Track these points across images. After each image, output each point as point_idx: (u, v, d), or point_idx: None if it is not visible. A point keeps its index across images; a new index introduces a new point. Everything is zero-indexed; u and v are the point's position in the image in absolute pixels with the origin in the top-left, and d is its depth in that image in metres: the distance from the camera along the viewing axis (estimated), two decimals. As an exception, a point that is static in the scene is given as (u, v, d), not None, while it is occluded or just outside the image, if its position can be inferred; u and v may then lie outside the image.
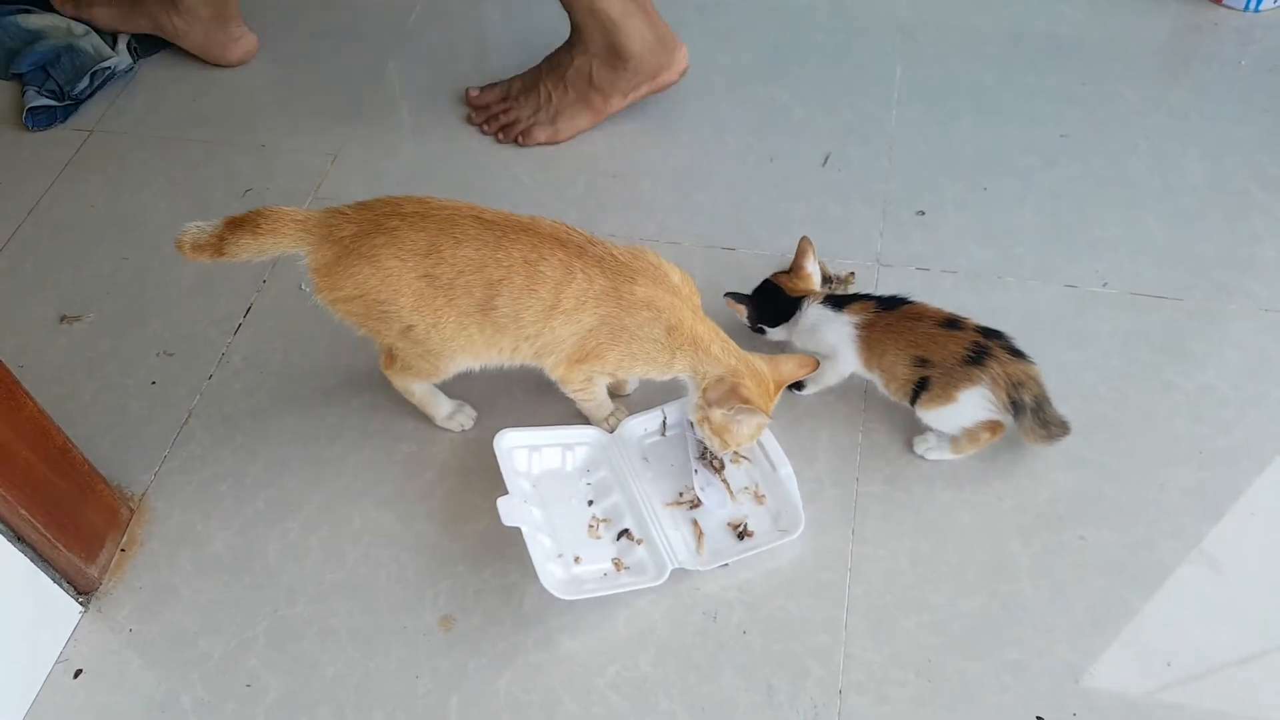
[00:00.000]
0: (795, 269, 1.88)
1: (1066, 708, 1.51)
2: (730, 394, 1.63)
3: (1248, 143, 2.24)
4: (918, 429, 1.79)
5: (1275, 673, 1.54)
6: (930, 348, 1.68)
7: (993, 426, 1.71)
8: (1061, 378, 1.74)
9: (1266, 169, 2.18)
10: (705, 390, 1.66)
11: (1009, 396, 1.65)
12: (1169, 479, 1.74)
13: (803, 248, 1.88)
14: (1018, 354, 1.67)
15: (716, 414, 1.65)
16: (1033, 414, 1.66)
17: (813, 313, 1.79)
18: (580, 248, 1.62)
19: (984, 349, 1.65)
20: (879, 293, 1.81)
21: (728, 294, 1.88)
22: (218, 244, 1.63)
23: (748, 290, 1.89)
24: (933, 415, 1.72)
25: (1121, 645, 1.57)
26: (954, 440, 1.75)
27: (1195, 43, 2.51)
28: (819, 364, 1.74)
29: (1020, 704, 1.52)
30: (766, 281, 1.89)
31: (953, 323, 1.70)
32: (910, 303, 1.76)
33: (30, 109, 2.42)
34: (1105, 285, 2.01)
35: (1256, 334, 1.92)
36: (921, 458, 1.77)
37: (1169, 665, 1.55)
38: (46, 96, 2.43)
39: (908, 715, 1.52)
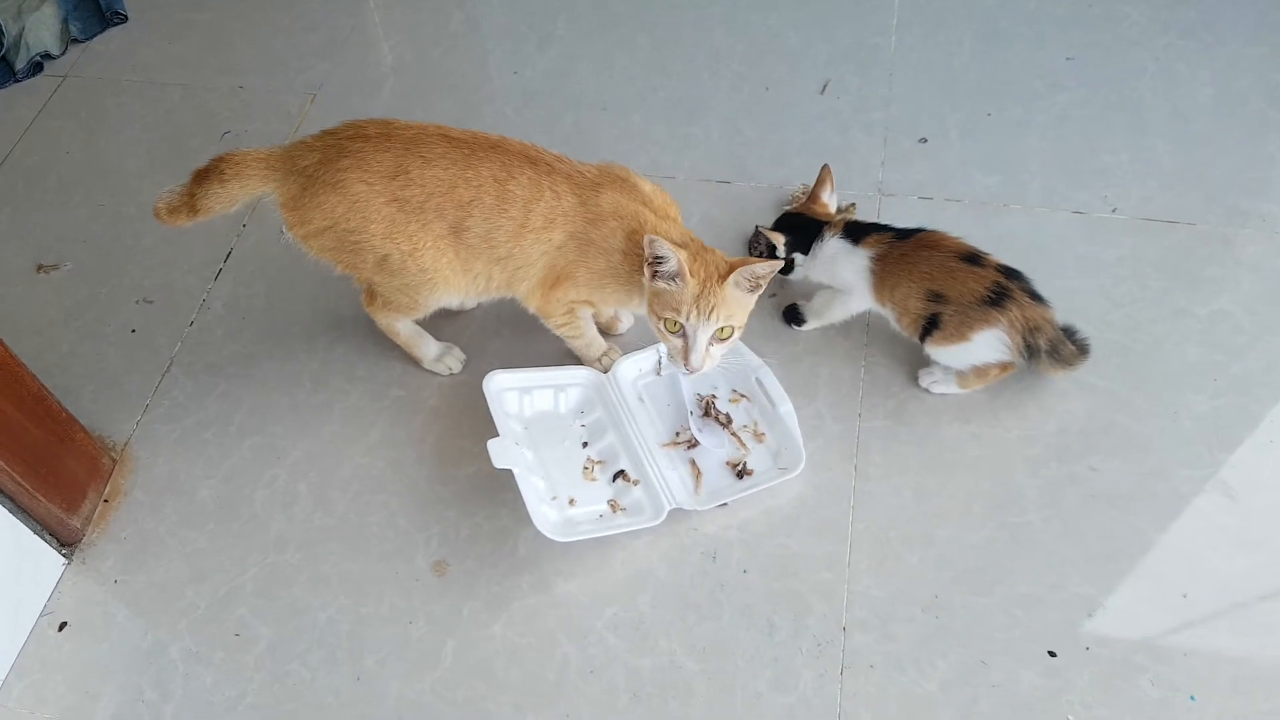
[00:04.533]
0: (813, 197, 1.79)
1: (1079, 642, 1.47)
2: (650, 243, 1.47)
3: (1261, 64, 2.16)
4: (923, 362, 1.73)
5: (1293, 601, 1.50)
6: (947, 283, 1.61)
7: (1004, 364, 1.65)
8: (1070, 305, 1.68)
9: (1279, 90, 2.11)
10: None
11: (1024, 340, 1.59)
12: (1182, 407, 1.68)
13: (822, 176, 1.79)
14: (1036, 297, 1.60)
15: (651, 282, 1.50)
16: (1047, 355, 1.60)
17: (832, 244, 1.71)
18: (549, 165, 1.56)
19: (1004, 290, 1.58)
20: (899, 225, 1.72)
21: (759, 226, 1.78)
22: (190, 201, 1.59)
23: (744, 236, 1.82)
24: (943, 352, 1.65)
25: (1136, 578, 1.52)
26: (961, 375, 1.69)
27: (1207, -38, 2.41)
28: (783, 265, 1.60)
29: (1031, 639, 1.48)
30: (786, 213, 1.80)
31: (973, 258, 1.62)
32: (925, 231, 1.68)
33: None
34: (1114, 211, 1.94)
35: (1272, 258, 1.85)
36: (926, 391, 1.72)
37: (1185, 597, 1.50)
38: None
39: (914, 651, 1.48)
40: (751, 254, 1.91)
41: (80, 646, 1.58)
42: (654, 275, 1.50)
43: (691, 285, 1.49)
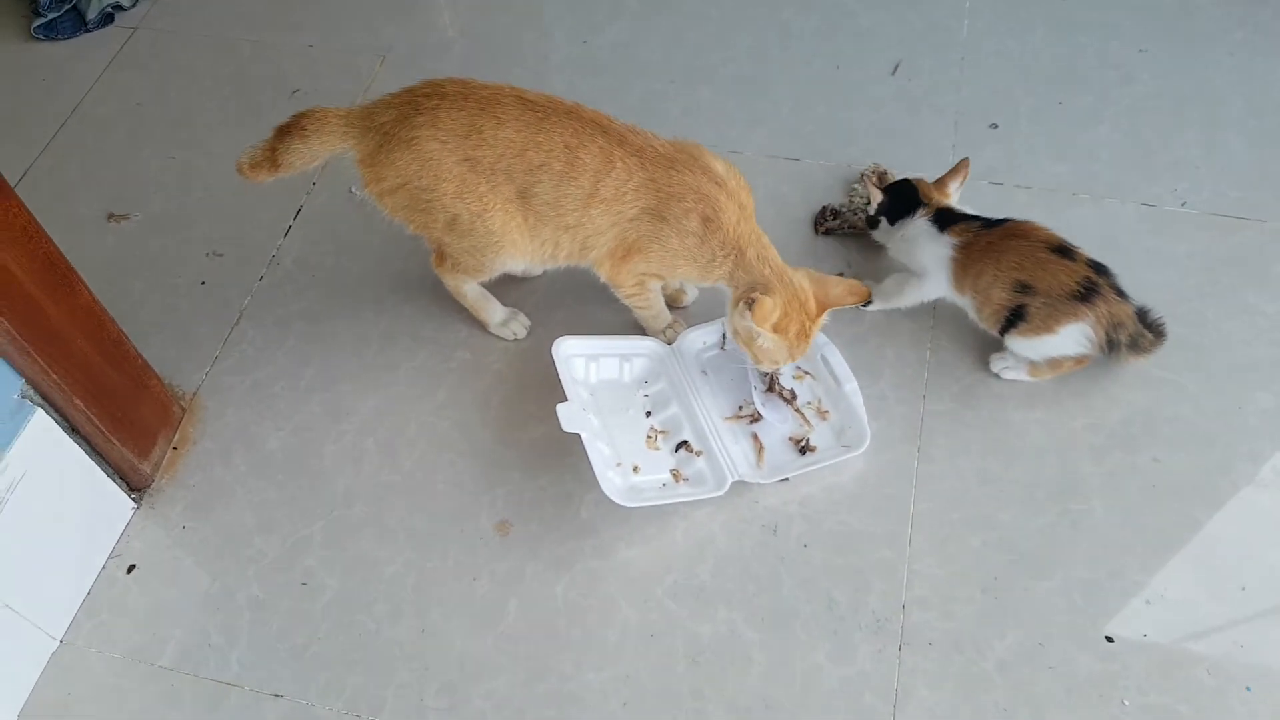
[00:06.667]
0: (941, 182, 1.76)
1: (1137, 629, 1.48)
2: (744, 302, 1.54)
3: (1337, 61, 2.14)
4: (992, 347, 1.73)
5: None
6: (1037, 274, 1.60)
7: (1080, 357, 1.65)
8: (1138, 298, 1.67)
9: (1356, 89, 2.09)
10: (735, 298, 1.59)
11: (1107, 336, 1.59)
12: (1247, 402, 1.68)
13: (958, 167, 1.76)
14: (1122, 294, 1.61)
15: (738, 321, 1.57)
16: (1127, 349, 1.61)
17: (918, 224, 1.71)
18: (621, 136, 1.56)
19: (1094, 285, 1.58)
20: (977, 212, 1.72)
21: (865, 173, 1.81)
22: (271, 156, 1.61)
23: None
24: (1025, 344, 1.65)
25: (1195, 568, 1.53)
26: (1033, 364, 1.69)
27: (1283, -44, 2.38)
28: (869, 294, 1.64)
29: (1089, 624, 1.49)
30: (905, 180, 1.79)
31: (1064, 250, 1.61)
32: (1014, 221, 1.67)
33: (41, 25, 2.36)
34: (1184, 205, 1.93)
35: (1342, 258, 1.84)
36: (997, 376, 1.72)
37: (1244, 589, 1.51)
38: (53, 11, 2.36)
39: (973, 631, 1.50)
40: (817, 230, 1.93)
41: (148, 589, 1.62)
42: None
43: (790, 351, 1.60)
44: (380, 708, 1.48)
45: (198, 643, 1.56)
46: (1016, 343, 1.66)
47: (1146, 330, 1.62)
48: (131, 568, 1.64)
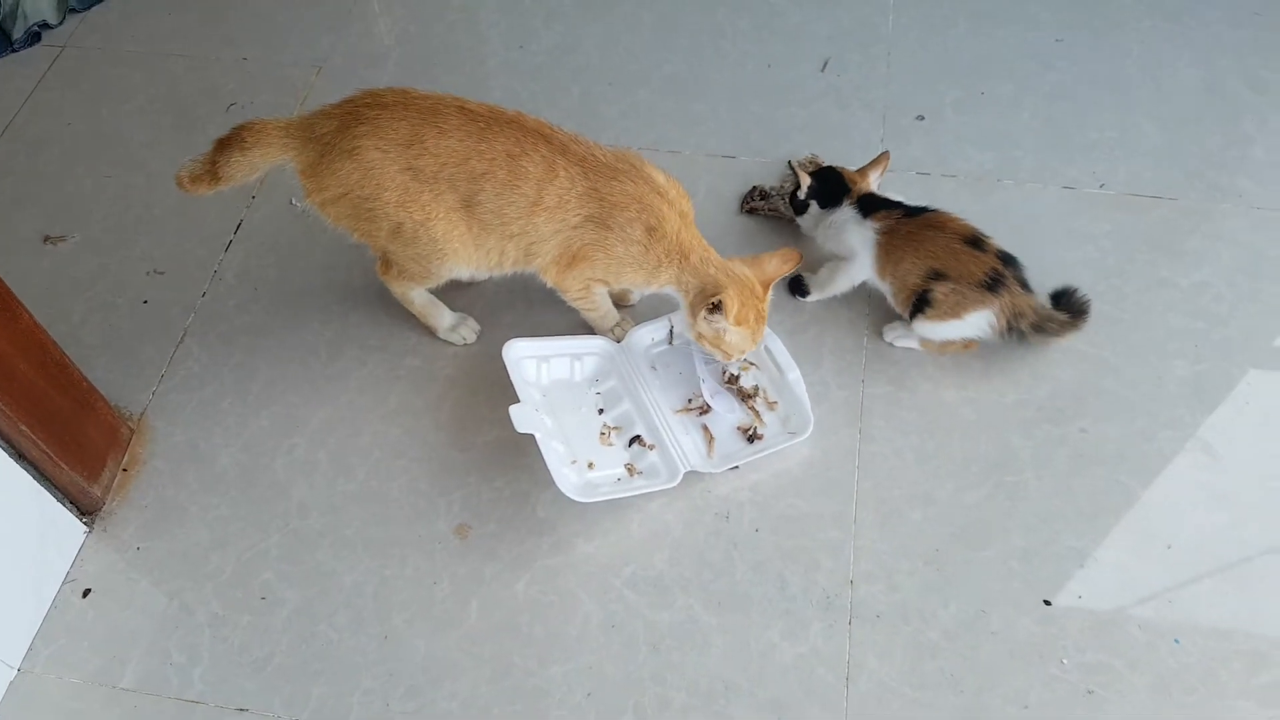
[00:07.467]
0: (862, 171, 1.84)
1: (1072, 591, 1.56)
2: (703, 302, 1.61)
3: (1239, 46, 2.25)
4: (888, 318, 1.82)
5: (1272, 552, 1.59)
6: (950, 263, 1.68)
7: (970, 341, 1.75)
8: (1060, 277, 1.77)
9: (1257, 72, 2.20)
10: (691, 304, 1.65)
11: (1008, 324, 1.68)
12: (1166, 372, 1.77)
13: (879, 159, 1.84)
14: (1025, 286, 1.69)
15: (704, 326, 1.64)
16: (1033, 332, 1.69)
17: (844, 211, 1.79)
18: (564, 145, 1.60)
19: (1000, 277, 1.67)
20: (904, 201, 1.79)
21: (792, 161, 1.88)
22: (211, 169, 1.62)
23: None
24: (931, 328, 1.73)
25: (1123, 531, 1.61)
26: (925, 339, 1.78)
27: (1187, -54, 2.50)
28: (801, 257, 1.70)
29: (1027, 589, 1.56)
30: (831, 168, 1.86)
31: (975, 241, 1.70)
32: (933, 211, 1.75)
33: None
34: (1102, 186, 2.03)
35: (1249, 231, 1.94)
36: (890, 345, 1.81)
37: (1169, 548, 1.59)
38: None
39: (918, 601, 1.56)
40: (742, 208, 2.01)
41: (105, 612, 1.61)
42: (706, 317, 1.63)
43: (753, 337, 1.66)
44: (346, 715, 1.50)
45: (158, 662, 1.56)
46: (925, 327, 1.74)
47: (1059, 313, 1.71)
48: (87, 591, 1.63)
